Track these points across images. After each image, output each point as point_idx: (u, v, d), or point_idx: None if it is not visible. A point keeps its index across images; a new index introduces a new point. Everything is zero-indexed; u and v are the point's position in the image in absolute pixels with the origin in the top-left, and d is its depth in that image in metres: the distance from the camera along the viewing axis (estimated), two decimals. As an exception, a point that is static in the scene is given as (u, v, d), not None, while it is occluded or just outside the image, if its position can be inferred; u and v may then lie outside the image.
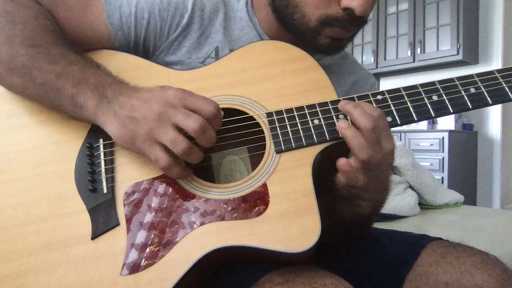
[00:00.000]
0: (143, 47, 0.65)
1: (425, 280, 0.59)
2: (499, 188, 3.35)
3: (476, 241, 0.68)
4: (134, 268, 0.50)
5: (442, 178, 3.11)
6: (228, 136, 0.58)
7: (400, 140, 3.34)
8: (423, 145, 3.23)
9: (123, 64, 0.61)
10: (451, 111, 0.56)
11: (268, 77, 0.60)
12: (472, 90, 0.57)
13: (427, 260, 0.61)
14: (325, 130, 0.56)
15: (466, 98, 0.57)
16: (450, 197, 1.74)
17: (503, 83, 0.57)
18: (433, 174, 2.09)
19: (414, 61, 3.50)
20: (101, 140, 0.57)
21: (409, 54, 3.52)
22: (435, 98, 0.57)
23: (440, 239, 0.66)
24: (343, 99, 0.58)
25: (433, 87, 0.58)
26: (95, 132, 0.56)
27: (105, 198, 0.54)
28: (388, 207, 1.42)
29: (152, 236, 0.51)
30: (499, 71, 0.58)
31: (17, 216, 0.53)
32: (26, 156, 0.56)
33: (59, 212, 0.53)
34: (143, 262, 0.50)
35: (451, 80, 0.58)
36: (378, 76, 3.90)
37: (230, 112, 0.58)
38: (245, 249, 0.50)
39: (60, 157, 0.56)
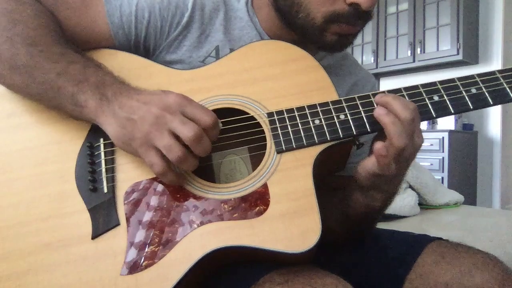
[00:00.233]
0: (144, 46, 0.65)
1: (425, 280, 0.59)
2: (499, 188, 3.35)
3: (476, 241, 0.68)
4: (134, 268, 0.50)
5: (442, 178, 3.10)
6: (229, 136, 0.57)
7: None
8: (423, 145, 3.21)
9: (123, 64, 0.60)
10: (452, 111, 0.56)
11: (269, 77, 0.60)
12: (473, 91, 0.57)
13: (427, 260, 0.61)
14: (326, 130, 0.56)
15: (467, 99, 0.56)
16: (450, 197, 1.74)
17: (504, 83, 0.57)
18: (433, 174, 2.09)
19: (414, 61, 3.50)
20: (101, 140, 0.57)
21: (409, 54, 3.52)
22: (436, 98, 0.57)
23: (440, 239, 0.66)
24: (344, 99, 0.58)
25: (434, 87, 0.58)
26: (96, 131, 0.56)
27: (105, 198, 0.54)
28: (388, 207, 1.42)
29: (152, 235, 0.51)
30: (500, 71, 0.58)
31: (18, 216, 0.53)
32: (27, 155, 0.56)
33: (60, 211, 0.53)
34: (143, 262, 0.50)
35: (452, 80, 0.58)
36: (378, 76, 3.89)
37: (230, 112, 0.58)
38: (246, 249, 0.50)
39: (61, 156, 0.56)
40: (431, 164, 3.17)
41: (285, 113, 0.57)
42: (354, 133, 0.56)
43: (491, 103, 0.56)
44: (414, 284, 0.60)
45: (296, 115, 0.57)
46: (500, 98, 0.56)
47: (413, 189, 1.64)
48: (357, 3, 0.57)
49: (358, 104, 0.57)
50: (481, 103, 0.56)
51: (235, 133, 0.58)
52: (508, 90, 0.56)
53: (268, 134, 0.56)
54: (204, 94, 0.59)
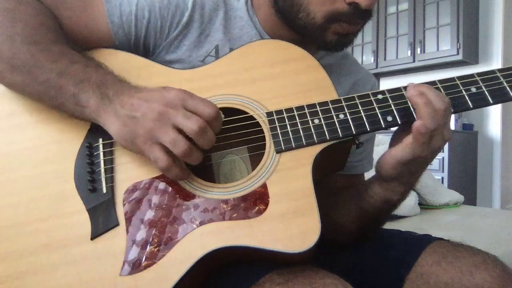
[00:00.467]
0: (144, 46, 0.65)
1: (426, 280, 0.59)
2: (499, 188, 3.35)
3: (476, 241, 0.67)
4: (134, 268, 0.50)
5: (442, 178, 3.10)
6: (228, 136, 0.57)
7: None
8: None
9: (123, 63, 0.60)
10: (452, 110, 0.56)
11: (268, 77, 0.60)
12: (473, 90, 0.57)
13: (428, 261, 0.61)
14: (325, 130, 0.56)
15: (467, 98, 0.56)
16: (450, 197, 1.74)
17: (504, 82, 0.57)
18: (433, 174, 2.09)
19: (414, 61, 3.50)
20: (100, 140, 0.56)
21: (409, 54, 3.52)
22: (436, 97, 0.57)
23: (441, 239, 0.66)
24: (344, 98, 0.58)
25: (434, 86, 0.57)
26: (95, 131, 0.56)
27: (104, 198, 0.53)
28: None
29: (152, 236, 0.51)
30: (500, 70, 0.58)
31: (17, 216, 0.53)
32: (26, 155, 0.56)
33: (59, 212, 0.53)
34: (143, 262, 0.50)
35: (452, 79, 0.58)
36: (378, 76, 3.89)
37: (230, 111, 0.58)
38: (245, 249, 0.50)
39: (60, 156, 0.56)
40: (431, 164, 3.13)
41: (284, 112, 0.57)
42: (354, 132, 0.56)
43: (491, 102, 0.56)
44: (414, 284, 0.60)
45: (296, 115, 0.57)
46: (499, 97, 0.56)
47: (413, 189, 1.64)
48: (356, 2, 0.57)
49: (358, 103, 0.57)
50: (481, 102, 0.56)
51: (234, 133, 0.57)
52: (508, 89, 0.56)
53: (267, 134, 0.56)
54: (204, 94, 0.58)
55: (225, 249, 0.50)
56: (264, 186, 0.53)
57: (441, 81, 0.58)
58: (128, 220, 0.52)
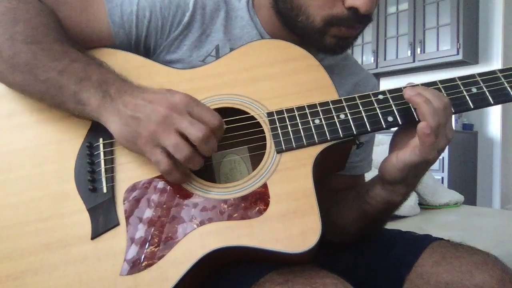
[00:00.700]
0: (144, 46, 0.65)
1: (426, 280, 0.59)
2: (499, 188, 3.35)
3: (476, 241, 0.67)
4: (134, 268, 0.49)
5: (442, 178, 3.10)
6: (229, 136, 0.57)
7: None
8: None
9: (123, 63, 0.60)
10: (453, 111, 0.56)
11: (268, 77, 0.60)
12: (474, 90, 0.57)
13: (428, 261, 0.61)
14: (326, 130, 0.56)
15: (468, 98, 0.56)
16: (450, 197, 1.74)
17: (505, 83, 0.57)
18: (433, 174, 2.09)
19: (414, 61, 3.50)
20: (101, 140, 0.56)
21: (409, 54, 3.52)
22: (436, 97, 0.57)
23: (442, 239, 0.66)
24: (344, 98, 0.58)
25: (435, 87, 0.57)
26: (95, 131, 0.56)
27: (105, 198, 0.53)
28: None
29: (152, 235, 0.51)
30: (501, 70, 0.58)
31: (17, 216, 0.53)
32: (26, 155, 0.56)
33: (59, 211, 0.53)
34: (143, 262, 0.50)
35: (452, 80, 0.58)
36: (378, 76, 3.89)
37: (230, 111, 0.58)
38: (246, 249, 0.50)
39: (60, 156, 0.56)
40: (431, 164, 3.16)
41: (285, 112, 0.57)
42: (354, 132, 0.56)
43: (492, 102, 0.56)
44: (414, 284, 0.60)
45: (296, 115, 0.57)
46: (501, 97, 0.56)
47: (414, 190, 1.64)
48: (355, 7, 0.57)
49: (359, 103, 0.57)
50: (481, 102, 0.56)
51: (235, 133, 0.57)
52: (509, 90, 0.56)
53: (268, 134, 0.56)
54: (204, 94, 0.58)
55: (225, 249, 0.50)
56: (264, 186, 0.53)
57: (442, 81, 0.58)
58: (128, 220, 0.52)
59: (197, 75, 0.61)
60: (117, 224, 0.52)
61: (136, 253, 0.50)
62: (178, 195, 0.53)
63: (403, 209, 1.49)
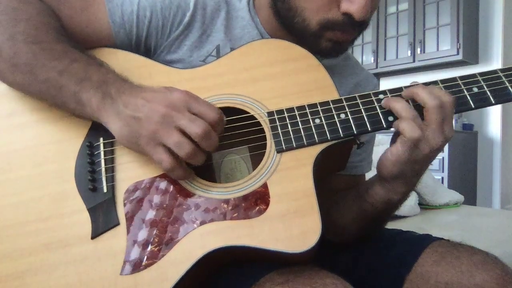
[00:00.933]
0: (145, 46, 0.65)
1: (426, 280, 0.59)
2: (499, 188, 3.35)
3: (476, 241, 0.67)
4: (134, 268, 0.49)
5: (442, 178, 3.10)
6: (229, 135, 0.57)
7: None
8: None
9: (124, 63, 0.60)
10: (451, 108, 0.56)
11: (269, 76, 0.60)
12: (475, 90, 0.57)
13: (428, 261, 0.61)
14: (326, 130, 0.56)
15: (469, 98, 0.56)
16: (450, 197, 1.74)
17: (506, 82, 0.56)
18: (433, 174, 2.09)
19: (414, 61, 3.50)
20: (101, 139, 0.56)
21: (409, 54, 3.52)
22: (437, 97, 0.57)
23: (442, 239, 0.66)
24: (345, 98, 0.58)
25: (435, 86, 0.57)
26: (95, 131, 0.56)
27: (105, 198, 0.53)
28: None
29: (152, 235, 0.51)
30: (502, 70, 0.58)
31: (17, 216, 0.53)
32: (26, 155, 0.56)
33: (59, 211, 0.53)
34: (143, 262, 0.50)
35: (453, 79, 0.58)
36: (378, 76, 3.89)
37: (231, 111, 0.58)
38: (246, 249, 0.50)
39: (60, 156, 0.56)
40: (431, 164, 3.14)
41: (285, 112, 0.57)
42: (355, 132, 0.56)
43: (493, 102, 0.56)
44: (414, 284, 0.60)
45: (297, 114, 0.57)
46: (502, 97, 0.56)
47: (414, 189, 1.64)
48: (350, 13, 0.57)
49: (359, 103, 0.57)
50: (482, 102, 0.56)
51: (235, 133, 0.57)
52: (510, 89, 0.56)
53: (268, 134, 0.56)
54: (204, 94, 0.58)
55: (225, 249, 0.50)
56: (265, 185, 0.53)
57: (442, 81, 0.58)
58: (129, 220, 0.52)
59: (197, 75, 0.61)
60: (117, 224, 0.52)
61: (136, 253, 0.50)
62: (178, 195, 0.53)
63: (403, 209, 1.48)
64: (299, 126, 0.56)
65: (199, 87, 0.59)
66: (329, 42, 0.62)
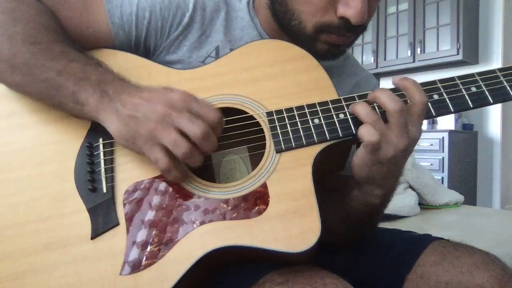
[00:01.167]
0: (144, 46, 0.65)
1: (426, 280, 0.59)
2: (499, 188, 3.35)
3: (476, 241, 0.67)
4: (134, 268, 0.50)
5: (442, 178, 3.10)
6: (228, 135, 0.57)
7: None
8: (423, 145, 3.23)
9: (123, 63, 0.60)
10: (452, 110, 0.56)
11: (268, 76, 0.60)
12: (473, 89, 0.57)
13: (428, 260, 0.61)
14: (325, 130, 0.56)
15: (467, 97, 0.56)
16: (450, 197, 1.74)
17: (504, 82, 0.57)
18: (433, 174, 2.09)
19: (414, 61, 3.50)
20: (100, 140, 0.56)
21: (409, 54, 3.52)
22: (435, 97, 0.57)
23: (442, 239, 0.66)
24: (344, 98, 0.58)
25: (434, 86, 0.57)
26: (95, 131, 0.56)
27: (104, 198, 0.53)
28: (388, 207, 1.42)
29: (152, 235, 0.51)
30: (500, 70, 0.58)
31: (17, 216, 0.53)
32: (26, 155, 0.56)
33: (59, 211, 0.53)
34: (143, 262, 0.50)
35: (452, 79, 0.58)
36: (378, 76, 3.89)
37: (230, 111, 0.58)
38: (245, 249, 0.50)
39: (60, 156, 0.56)
40: (431, 164, 3.17)
41: (284, 112, 0.57)
42: (354, 132, 0.56)
43: (491, 101, 0.56)
44: (414, 284, 0.60)
45: (296, 115, 0.57)
46: (500, 96, 0.56)
47: (413, 189, 1.64)
48: (346, 17, 0.57)
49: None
50: (481, 101, 0.56)
51: (234, 133, 0.57)
52: (508, 89, 0.56)
53: (267, 134, 0.56)
54: (204, 94, 0.58)
55: (225, 249, 0.50)
56: (264, 185, 0.53)
57: (441, 81, 0.58)
58: (128, 220, 0.52)
59: (197, 75, 0.61)
60: (117, 224, 0.52)
61: (136, 253, 0.50)
62: (178, 195, 0.53)
63: (403, 209, 1.49)
64: (298, 126, 0.56)
65: (198, 87, 0.59)
66: (325, 45, 0.62)
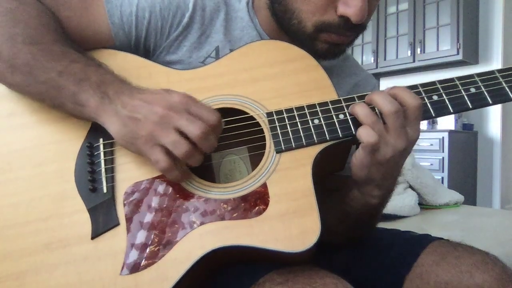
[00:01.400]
0: (144, 46, 0.65)
1: (425, 280, 0.59)
2: (499, 188, 3.34)
3: (476, 241, 0.67)
4: (134, 268, 0.50)
5: (442, 178, 3.10)
6: (228, 136, 0.57)
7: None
8: (423, 145, 3.23)
9: (123, 64, 0.60)
10: (451, 111, 0.56)
11: (268, 77, 0.60)
12: (473, 90, 0.57)
13: (427, 260, 0.61)
14: (325, 130, 0.56)
15: (466, 98, 0.56)
16: (450, 197, 1.74)
17: (503, 83, 0.57)
18: (433, 174, 2.09)
19: (414, 61, 3.50)
20: (101, 140, 0.57)
21: (409, 54, 3.52)
22: (435, 98, 0.57)
23: (441, 239, 0.66)
24: (344, 99, 0.58)
25: (433, 87, 0.58)
26: (95, 131, 0.56)
27: (105, 198, 0.54)
28: (388, 207, 1.41)
29: (152, 235, 0.51)
30: (499, 71, 0.58)
31: (17, 216, 0.53)
32: (26, 155, 0.56)
33: (59, 211, 0.53)
34: (143, 262, 0.50)
35: (451, 80, 0.58)
36: (378, 76, 3.89)
37: (230, 111, 0.58)
38: (245, 248, 0.50)
39: (60, 156, 0.56)
40: (431, 164, 3.17)
41: (284, 113, 0.57)
42: (354, 132, 0.56)
43: (490, 102, 0.56)
44: (414, 284, 0.60)
45: (296, 115, 0.57)
46: (499, 97, 0.56)
47: (413, 189, 1.64)
48: (347, 16, 0.57)
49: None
50: (480, 102, 0.56)
51: (234, 133, 0.58)
52: (507, 90, 0.56)
53: (267, 134, 0.56)
54: (204, 94, 0.59)
55: (225, 249, 0.50)
56: (264, 186, 0.53)
57: (440, 82, 0.58)
58: (129, 220, 0.52)
59: (197, 76, 0.61)
60: (117, 224, 0.52)
61: (136, 253, 0.50)
62: (178, 195, 0.53)
63: (403, 209, 1.49)
64: (298, 126, 0.56)
65: (198, 87, 0.59)
66: (325, 44, 0.62)
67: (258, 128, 0.57)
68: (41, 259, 0.51)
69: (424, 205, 1.68)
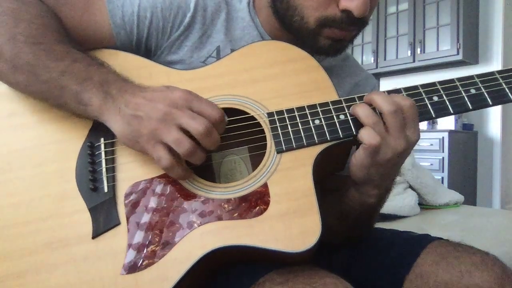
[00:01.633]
0: (145, 46, 0.65)
1: (425, 280, 0.59)
2: (499, 188, 3.35)
3: (476, 241, 0.68)
4: (135, 268, 0.50)
5: (442, 178, 3.10)
6: (229, 136, 0.58)
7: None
8: (423, 145, 3.23)
9: (124, 64, 0.61)
10: (452, 111, 0.56)
11: (269, 77, 0.60)
12: (473, 91, 0.57)
13: (427, 260, 0.61)
14: (326, 130, 0.56)
15: (467, 99, 0.57)
16: (450, 197, 1.74)
17: (503, 84, 0.57)
18: (433, 174, 2.09)
19: (414, 61, 3.50)
20: (102, 139, 0.57)
21: (409, 54, 3.52)
22: (435, 98, 0.57)
23: (441, 239, 0.66)
24: (344, 99, 0.58)
25: (434, 87, 0.58)
26: (96, 131, 0.56)
27: (105, 197, 0.54)
28: (388, 207, 1.43)
29: (153, 235, 0.51)
30: (499, 72, 0.58)
31: (18, 216, 0.53)
32: (27, 155, 0.56)
33: (60, 211, 0.53)
34: (143, 262, 0.50)
35: (451, 81, 0.58)
36: (378, 76, 3.89)
37: (231, 112, 0.58)
38: (246, 248, 0.50)
39: (61, 156, 0.56)
40: (431, 164, 3.17)
41: (285, 113, 0.57)
42: (354, 133, 0.56)
43: (490, 103, 0.56)
44: (414, 284, 0.60)
45: (296, 115, 0.57)
46: (499, 98, 0.57)
47: (413, 189, 1.64)
48: (349, 9, 0.57)
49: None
50: (480, 103, 0.56)
51: (235, 133, 0.58)
52: (507, 91, 0.57)
53: (268, 134, 0.57)
54: (205, 94, 0.58)
55: (225, 249, 0.50)
56: (265, 185, 0.53)
57: (440, 83, 0.58)
58: (129, 219, 0.52)
59: (197, 76, 0.61)
60: (118, 223, 0.52)
61: (136, 253, 0.50)
62: (179, 195, 0.54)
63: (403, 209, 1.49)
64: (299, 126, 0.56)
65: (199, 87, 0.59)
66: (328, 40, 0.62)
67: (259, 128, 0.58)
68: (41, 259, 0.51)
69: (424, 205, 1.68)
